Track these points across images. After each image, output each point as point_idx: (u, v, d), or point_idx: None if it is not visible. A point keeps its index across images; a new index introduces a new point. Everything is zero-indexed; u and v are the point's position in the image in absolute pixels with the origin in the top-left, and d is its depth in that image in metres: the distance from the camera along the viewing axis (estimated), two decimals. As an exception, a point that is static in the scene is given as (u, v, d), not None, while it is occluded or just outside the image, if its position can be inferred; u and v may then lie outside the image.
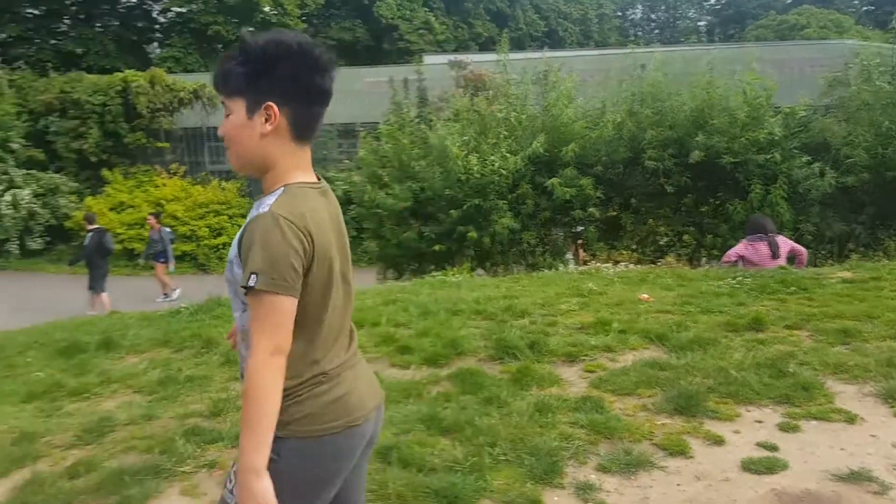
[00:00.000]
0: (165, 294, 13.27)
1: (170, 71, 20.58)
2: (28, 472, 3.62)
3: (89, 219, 12.71)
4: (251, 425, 1.62)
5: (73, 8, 32.40)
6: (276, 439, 1.66)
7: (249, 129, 1.73)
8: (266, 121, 1.71)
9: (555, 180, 9.16)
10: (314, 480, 1.79)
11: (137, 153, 18.69)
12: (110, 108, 17.59)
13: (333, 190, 1.96)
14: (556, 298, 6.27)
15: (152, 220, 13.44)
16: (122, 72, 19.06)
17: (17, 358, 5.83)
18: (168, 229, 13.83)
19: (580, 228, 9.74)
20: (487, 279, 8.25)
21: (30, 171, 17.36)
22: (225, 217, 17.32)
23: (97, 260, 12.16)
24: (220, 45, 32.08)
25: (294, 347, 1.68)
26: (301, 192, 1.73)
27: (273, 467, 1.66)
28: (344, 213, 1.99)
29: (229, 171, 18.54)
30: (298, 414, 1.74)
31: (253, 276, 1.60)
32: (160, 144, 18.60)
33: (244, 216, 13.09)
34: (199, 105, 18.37)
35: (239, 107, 1.73)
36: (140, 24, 34.64)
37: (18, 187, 16.75)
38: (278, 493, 1.65)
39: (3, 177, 16.75)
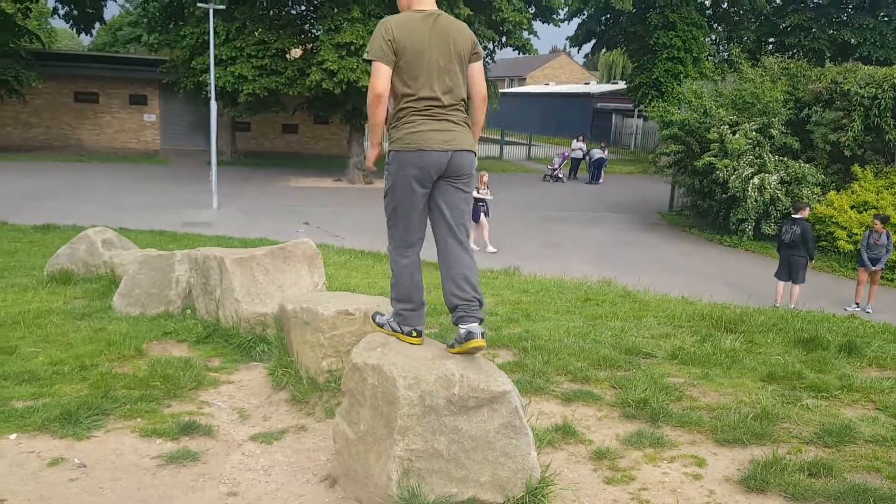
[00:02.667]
0: (857, 303, 12.14)
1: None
2: (767, 451, 3.67)
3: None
4: (371, 127, 3.26)
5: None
6: (389, 151, 3.21)
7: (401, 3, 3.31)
8: None
9: None
10: (404, 178, 3.16)
11: (896, 152, 17.32)
12: (880, 101, 16.62)
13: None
14: None
15: (879, 225, 12.26)
16: (898, 64, 17.73)
17: (758, 336, 6.05)
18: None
19: None
20: None
21: (781, 158, 17.88)
22: None
23: (792, 250, 11.91)
24: None
25: (396, 97, 3.20)
26: (401, 15, 3.21)
27: (387, 168, 3.22)
28: None
29: None
30: (395, 137, 3.19)
31: (365, 53, 3.17)
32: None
33: None
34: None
35: None
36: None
37: (768, 172, 17.48)
38: (389, 181, 3.23)
39: (757, 160, 17.68)
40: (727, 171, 17.35)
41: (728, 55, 34.22)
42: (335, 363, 4.31)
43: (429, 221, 3.30)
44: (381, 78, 3.08)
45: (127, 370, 4.69)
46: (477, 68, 3.30)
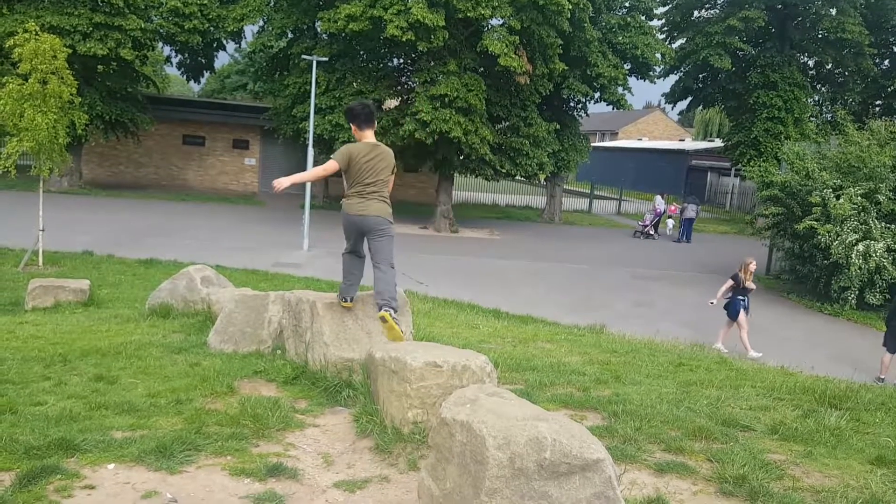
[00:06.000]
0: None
1: None
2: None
3: None
4: (307, 176, 6.13)
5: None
6: (342, 211, 5.54)
7: (354, 133, 5.59)
8: (352, 128, 5.60)
9: None
10: (345, 225, 5.56)
11: None
12: None
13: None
14: None
15: None
16: None
17: (865, 414, 5.69)
18: None
19: None
20: None
21: (888, 226, 17.04)
22: None
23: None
24: None
25: (347, 186, 5.49)
26: (354, 144, 5.45)
27: (341, 218, 5.56)
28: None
29: None
30: (343, 204, 5.51)
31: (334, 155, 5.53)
32: None
33: None
34: None
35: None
36: None
37: (874, 239, 16.66)
38: (343, 227, 5.64)
39: (862, 227, 16.90)
40: (830, 236, 16.62)
41: (832, 117, 33.12)
42: (420, 415, 4.28)
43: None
44: (332, 167, 5.30)
45: (219, 407, 4.80)
46: (391, 177, 5.56)
